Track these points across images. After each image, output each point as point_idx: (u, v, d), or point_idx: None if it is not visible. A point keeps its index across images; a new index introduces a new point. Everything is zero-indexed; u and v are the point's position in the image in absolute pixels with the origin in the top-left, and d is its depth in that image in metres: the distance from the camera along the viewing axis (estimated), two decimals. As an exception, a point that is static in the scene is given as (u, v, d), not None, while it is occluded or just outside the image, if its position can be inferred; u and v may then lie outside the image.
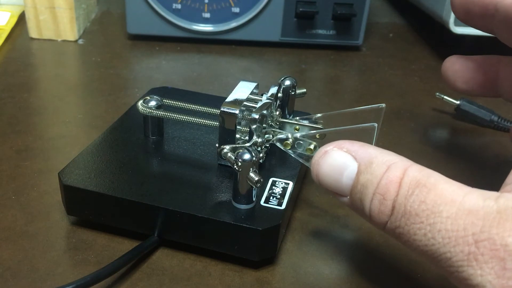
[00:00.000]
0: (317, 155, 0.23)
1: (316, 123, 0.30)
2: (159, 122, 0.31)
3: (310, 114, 0.32)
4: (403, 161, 0.21)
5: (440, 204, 0.19)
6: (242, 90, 0.29)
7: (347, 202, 0.22)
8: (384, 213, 0.20)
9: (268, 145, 0.29)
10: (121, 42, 0.52)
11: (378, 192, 0.20)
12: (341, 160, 0.22)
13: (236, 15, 0.51)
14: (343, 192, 0.22)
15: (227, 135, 0.28)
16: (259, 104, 0.28)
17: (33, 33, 0.51)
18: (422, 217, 0.19)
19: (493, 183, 0.22)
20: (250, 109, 0.28)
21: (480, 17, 0.29)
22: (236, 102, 0.28)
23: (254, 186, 0.25)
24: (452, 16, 0.47)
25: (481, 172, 0.35)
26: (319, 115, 0.31)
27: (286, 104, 0.32)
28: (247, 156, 0.24)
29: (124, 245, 0.27)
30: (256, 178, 0.24)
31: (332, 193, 0.23)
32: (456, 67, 0.32)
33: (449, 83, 0.33)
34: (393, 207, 0.20)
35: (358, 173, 0.22)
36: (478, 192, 0.19)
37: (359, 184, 0.21)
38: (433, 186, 0.19)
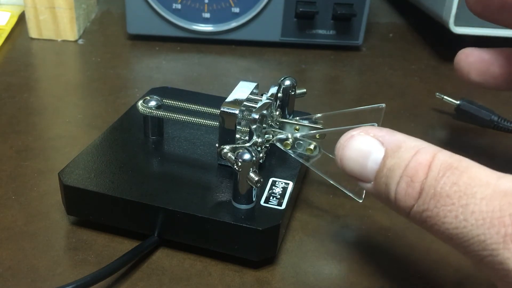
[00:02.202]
0: (343, 138, 0.22)
1: (316, 123, 0.30)
2: (159, 122, 0.31)
3: (310, 114, 0.32)
4: (432, 147, 0.20)
5: (474, 186, 0.18)
6: (242, 90, 0.29)
7: (370, 188, 0.22)
8: (411, 196, 0.19)
9: (268, 145, 0.29)
10: (121, 42, 0.52)
11: (406, 175, 0.20)
12: (368, 144, 0.21)
13: (236, 15, 0.51)
14: (367, 177, 0.21)
15: (227, 135, 0.28)
16: (259, 104, 0.28)
17: (33, 33, 0.51)
18: (453, 198, 0.18)
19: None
20: (250, 109, 0.28)
21: (498, 11, 0.28)
22: (236, 102, 0.28)
23: (254, 186, 0.25)
24: (452, 16, 0.47)
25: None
26: (319, 115, 0.31)
27: (286, 104, 0.32)
28: (247, 156, 0.24)
29: (124, 245, 0.27)
30: (256, 178, 0.24)
31: (355, 178, 0.22)
32: (470, 59, 0.32)
33: (463, 75, 0.32)
34: (422, 190, 0.19)
35: (385, 157, 0.21)
36: (510, 177, 0.18)
37: (386, 168, 0.21)
38: (466, 169, 0.19)
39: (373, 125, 0.26)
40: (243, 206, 0.26)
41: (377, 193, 0.21)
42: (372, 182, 0.21)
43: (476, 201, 0.18)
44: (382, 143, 0.21)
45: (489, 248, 0.18)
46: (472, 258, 0.19)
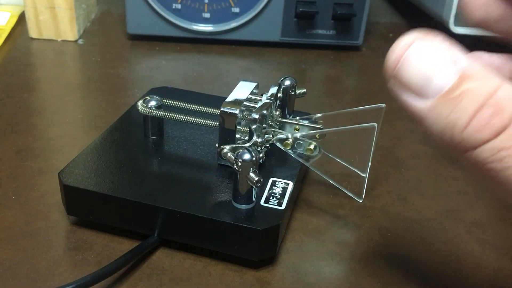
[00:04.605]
0: (409, 38, 0.19)
1: (316, 123, 0.30)
2: (159, 122, 0.31)
3: (310, 114, 0.32)
4: None
5: None
6: (242, 90, 0.29)
7: (421, 107, 0.18)
8: (494, 128, 0.16)
9: (268, 145, 0.29)
10: (121, 42, 0.52)
11: (491, 104, 0.16)
12: (441, 57, 0.17)
13: (236, 15, 0.51)
14: (426, 93, 0.17)
15: (227, 135, 0.28)
16: (259, 104, 0.28)
17: (33, 33, 0.51)
18: None
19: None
20: (250, 109, 0.28)
21: (497, 21, 0.27)
22: (236, 102, 0.28)
23: (254, 186, 0.25)
24: (452, 16, 0.47)
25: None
26: (319, 115, 0.31)
27: (286, 104, 0.32)
28: (247, 156, 0.24)
29: (124, 245, 0.27)
30: (256, 178, 0.24)
31: (408, 89, 0.18)
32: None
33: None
34: (508, 125, 0.16)
35: (462, 78, 0.17)
36: None
37: (461, 89, 0.17)
38: None
39: (373, 125, 0.26)
40: (243, 206, 0.26)
41: (432, 116, 0.17)
42: (430, 101, 0.17)
43: None
44: (456, 62, 0.17)
45: None
46: None
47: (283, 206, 0.26)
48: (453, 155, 0.18)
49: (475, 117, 0.16)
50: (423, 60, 0.18)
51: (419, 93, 0.18)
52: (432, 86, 0.17)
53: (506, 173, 0.16)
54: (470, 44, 0.35)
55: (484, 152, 0.17)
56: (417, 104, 0.18)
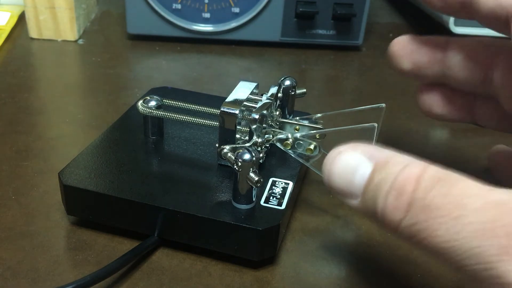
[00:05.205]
0: (331, 155, 0.22)
1: (316, 123, 0.30)
2: (159, 122, 0.31)
3: (310, 114, 0.32)
4: (420, 161, 0.20)
5: (464, 197, 0.18)
6: (242, 90, 0.29)
7: (357, 205, 0.21)
8: (400, 210, 0.19)
9: (268, 145, 0.29)
10: (121, 42, 0.52)
11: (394, 188, 0.19)
12: (355, 160, 0.21)
13: (236, 15, 0.51)
14: (354, 193, 0.21)
15: (227, 135, 0.28)
16: (259, 104, 0.28)
17: (33, 33, 0.51)
18: (444, 210, 0.18)
19: (493, 184, 0.22)
20: (250, 109, 0.28)
21: (428, 66, 0.28)
22: (236, 102, 0.28)
23: (254, 186, 0.25)
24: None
25: (481, 173, 0.35)
26: (319, 115, 0.31)
27: (286, 104, 0.32)
28: (247, 156, 0.24)
29: (124, 245, 0.27)
30: (256, 178, 0.24)
31: (342, 196, 0.22)
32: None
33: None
34: (411, 203, 0.19)
35: (373, 172, 0.20)
36: (501, 189, 0.18)
37: (373, 183, 0.20)
38: (456, 182, 0.18)
39: (373, 125, 0.26)
40: (243, 206, 0.26)
41: (364, 209, 0.21)
42: (359, 199, 0.21)
43: (468, 212, 0.17)
44: (370, 159, 0.21)
45: (484, 261, 0.17)
46: (466, 274, 0.18)
47: (283, 206, 0.26)
48: (396, 237, 0.20)
49: (385, 205, 0.19)
50: (342, 168, 0.21)
51: (349, 195, 0.21)
52: (355, 187, 0.21)
53: (424, 244, 0.19)
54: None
55: (404, 230, 0.19)
56: (352, 203, 0.21)
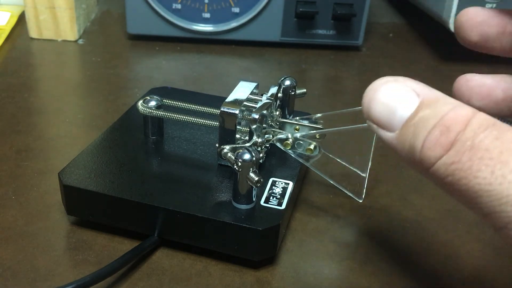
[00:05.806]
0: (376, 83, 0.21)
1: (316, 123, 0.30)
2: (159, 122, 0.31)
3: (310, 114, 0.32)
4: (471, 107, 0.19)
5: None
6: (242, 90, 0.29)
7: (392, 138, 0.20)
8: (443, 145, 0.18)
9: (268, 145, 0.29)
10: (121, 42, 0.52)
11: (442, 124, 0.19)
12: (402, 92, 0.20)
13: (236, 15, 0.51)
14: (393, 125, 0.20)
15: (227, 135, 0.28)
16: (259, 104, 0.28)
17: (33, 33, 0.51)
18: (493, 153, 0.17)
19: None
20: (250, 109, 0.28)
21: (497, 37, 0.28)
22: (236, 102, 0.28)
23: (254, 186, 0.25)
24: (452, 16, 0.47)
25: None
26: (319, 115, 0.31)
27: (286, 104, 0.32)
28: (247, 156, 0.24)
29: (124, 245, 0.27)
30: (256, 178, 0.24)
31: (380, 126, 0.20)
32: (471, 83, 0.31)
33: (463, 100, 0.31)
34: (457, 140, 0.18)
35: (419, 106, 0.20)
36: None
37: (418, 116, 0.19)
38: (507, 129, 0.18)
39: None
40: (243, 206, 0.26)
41: (399, 143, 0.20)
42: (396, 132, 0.20)
43: None
44: (418, 94, 0.20)
45: None
46: (499, 220, 0.17)
47: (283, 206, 0.26)
48: (423, 175, 0.20)
49: (427, 138, 0.19)
50: (387, 97, 0.20)
51: (387, 126, 0.20)
52: (396, 118, 0.20)
53: (458, 184, 0.18)
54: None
55: (440, 167, 0.18)
56: (387, 136, 0.20)
